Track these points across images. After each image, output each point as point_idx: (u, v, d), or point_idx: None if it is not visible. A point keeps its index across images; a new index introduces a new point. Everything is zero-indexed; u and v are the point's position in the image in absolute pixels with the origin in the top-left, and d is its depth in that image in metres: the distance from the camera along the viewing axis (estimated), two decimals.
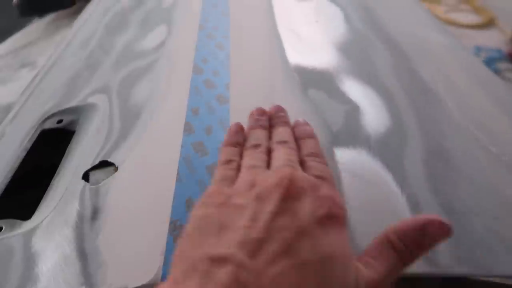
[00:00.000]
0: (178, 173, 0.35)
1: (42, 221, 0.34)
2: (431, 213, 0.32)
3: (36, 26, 0.96)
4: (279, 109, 0.37)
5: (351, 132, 0.40)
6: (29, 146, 0.44)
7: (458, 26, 1.72)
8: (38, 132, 0.46)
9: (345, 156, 0.37)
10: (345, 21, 0.62)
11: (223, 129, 0.40)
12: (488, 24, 1.63)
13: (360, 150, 0.38)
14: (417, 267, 0.28)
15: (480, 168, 0.37)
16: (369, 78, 0.48)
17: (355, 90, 0.46)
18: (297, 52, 0.53)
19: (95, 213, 0.33)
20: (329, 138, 0.39)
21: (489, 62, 1.31)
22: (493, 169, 0.37)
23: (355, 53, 0.53)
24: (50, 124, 0.47)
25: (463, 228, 0.31)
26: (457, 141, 0.40)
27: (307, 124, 0.35)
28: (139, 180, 0.35)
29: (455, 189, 0.35)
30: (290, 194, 0.23)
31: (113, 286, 0.27)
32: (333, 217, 0.23)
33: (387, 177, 0.35)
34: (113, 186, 0.35)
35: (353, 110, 0.43)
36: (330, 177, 0.28)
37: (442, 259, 0.29)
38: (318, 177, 0.26)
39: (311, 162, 0.29)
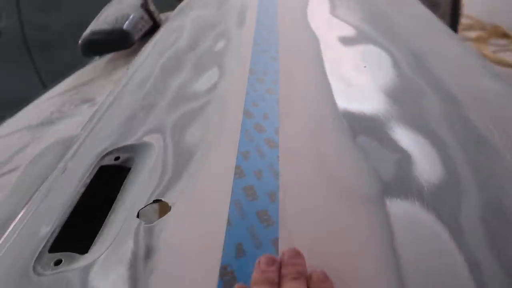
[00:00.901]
0: (229, 218, 0.35)
1: (98, 258, 0.35)
2: (493, 276, 0.31)
3: (96, 64, 1.04)
4: (294, 255, 0.31)
5: (403, 183, 0.39)
6: (88, 181, 0.47)
7: (509, 66, 1.67)
8: (97, 168, 0.49)
9: (397, 208, 0.36)
10: (394, 67, 0.62)
11: (273, 173, 0.40)
12: None
13: (413, 202, 0.37)
14: None
15: None
16: (420, 126, 0.47)
17: (405, 138, 0.45)
18: (345, 98, 0.54)
19: (148, 253, 0.34)
20: (379, 187, 0.39)
21: None
22: None
23: (405, 100, 0.53)
24: (108, 160, 0.50)
25: None
26: None
27: (324, 277, 0.30)
28: (190, 222, 0.36)
29: None
30: None
31: None
32: None
33: (442, 233, 0.34)
34: (166, 226, 0.37)
35: (404, 159, 0.42)
36: None
37: None
38: None
39: None
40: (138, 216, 0.39)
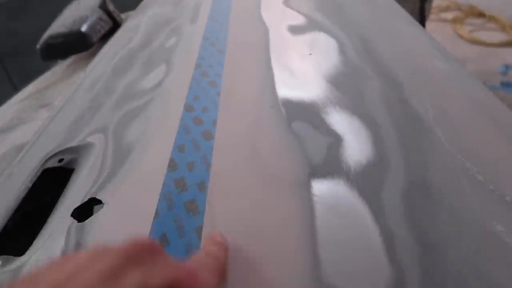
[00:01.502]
0: (157, 210, 0.36)
1: (29, 258, 0.36)
2: (406, 247, 0.32)
3: (57, 68, 1.03)
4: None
5: (331, 165, 0.40)
6: (30, 185, 0.47)
7: (484, 45, 1.69)
8: (40, 171, 0.49)
9: (321, 189, 0.37)
10: (339, 53, 0.63)
11: (205, 164, 0.41)
12: None
13: (338, 183, 0.38)
14: None
15: (464, 199, 0.36)
16: (357, 109, 0.48)
17: (340, 122, 0.47)
18: (286, 86, 0.54)
19: (77, 249, 0.35)
20: (308, 170, 0.40)
21: None
22: (477, 199, 0.36)
23: (345, 85, 0.54)
24: (52, 163, 0.50)
25: (438, 263, 0.31)
26: (442, 172, 0.39)
27: (219, 235, 0.33)
28: (120, 217, 0.37)
29: (434, 221, 0.34)
30: None
31: None
32: None
33: (363, 210, 0.35)
34: (97, 223, 0.37)
35: (336, 142, 0.43)
36: (210, 265, 0.27)
37: None
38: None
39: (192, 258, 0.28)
40: (72, 215, 0.39)
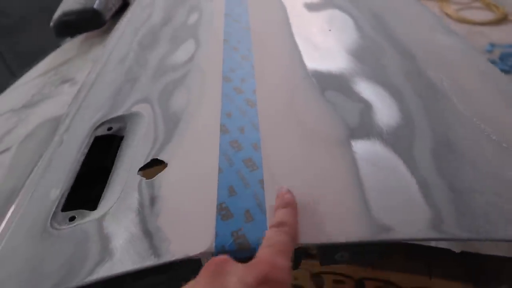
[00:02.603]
0: (219, 166, 0.41)
1: (109, 209, 0.41)
2: (439, 192, 0.38)
3: (70, 45, 1.05)
4: (283, 190, 0.38)
5: (365, 127, 0.46)
6: (86, 150, 0.51)
7: (471, 24, 1.74)
8: (92, 138, 0.53)
9: (360, 147, 0.43)
10: (356, 29, 0.68)
11: (254, 127, 0.46)
12: (502, 20, 1.64)
13: (374, 142, 0.44)
14: (426, 233, 0.34)
15: (482, 154, 0.42)
16: (381, 79, 0.54)
17: (368, 91, 0.52)
18: (313, 59, 0.59)
19: (152, 201, 0.40)
20: (347, 132, 0.45)
21: (504, 58, 1.33)
22: (494, 154, 0.42)
23: (367, 58, 0.59)
24: (102, 131, 0.54)
25: (467, 204, 0.37)
26: (462, 132, 0.45)
27: (287, 193, 0.37)
28: (186, 173, 0.42)
29: (460, 172, 0.40)
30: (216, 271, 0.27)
31: (176, 255, 0.34)
32: (271, 281, 0.26)
33: (399, 164, 0.41)
34: (165, 179, 0.42)
35: (366, 108, 0.49)
36: (281, 246, 0.30)
37: (448, 228, 0.34)
38: (268, 246, 0.30)
39: (269, 233, 0.32)
40: (139, 173, 0.44)
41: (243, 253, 0.34)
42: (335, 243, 0.35)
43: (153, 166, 0.44)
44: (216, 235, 0.34)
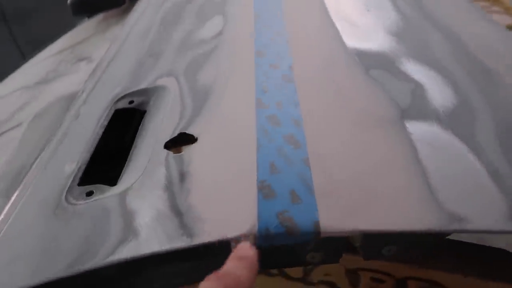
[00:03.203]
0: (258, 141, 0.37)
1: (132, 184, 0.36)
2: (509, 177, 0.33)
3: (88, 24, 1.01)
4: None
5: (419, 108, 0.41)
6: (105, 123, 0.47)
7: None
8: (113, 111, 0.49)
9: (417, 128, 0.38)
10: (396, 10, 0.63)
11: (293, 103, 0.41)
12: None
13: (431, 123, 0.39)
14: (505, 225, 0.29)
15: None
16: (428, 60, 0.49)
17: (416, 71, 0.47)
18: (353, 38, 0.54)
19: (182, 176, 0.35)
20: (397, 112, 0.40)
21: None
22: None
23: (410, 38, 0.54)
24: (123, 104, 0.50)
25: None
26: None
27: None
28: (220, 148, 0.37)
29: None
30: None
31: (212, 235, 0.29)
32: None
33: (461, 147, 0.36)
34: (196, 154, 0.37)
35: (417, 88, 0.44)
36: None
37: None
38: None
39: None
40: (165, 147, 0.39)
41: (291, 239, 0.29)
42: (396, 232, 0.30)
43: (181, 141, 0.40)
44: (259, 215, 0.30)
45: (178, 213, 0.32)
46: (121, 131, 0.48)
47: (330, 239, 0.31)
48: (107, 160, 0.44)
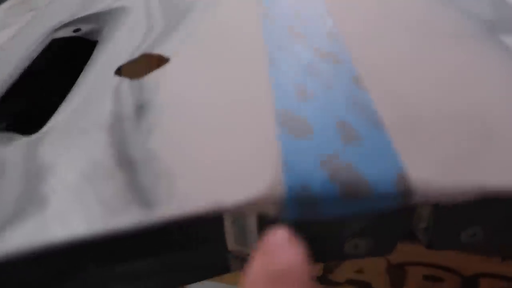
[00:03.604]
0: (269, 55, 0.22)
1: (53, 127, 0.21)
2: None
3: None
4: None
5: (507, 19, 0.27)
6: (34, 55, 0.31)
7: None
8: (48, 41, 0.33)
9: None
10: None
11: (320, 15, 0.27)
12: None
13: None
14: None
15: None
16: None
17: None
18: None
19: (140, 110, 0.20)
20: (482, 26, 0.26)
21: None
22: None
23: None
24: (65, 33, 0.34)
25: None
26: None
27: None
28: (207, 67, 0.23)
29: None
30: None
31: (190, 203, 0.14)
32: None
33: None
34: (166, 79, 0.23)
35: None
36: None
37: None
38: None
39: None
40: (117, 74, 0.24)
41: (349, 205, 0.15)
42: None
43: (143, 63, 0.25)
44: (284, 164, 0.15)
45: (128, 166, 0.17)
46: (61, 67, 0.33)
47: (395, 214, 0.17)
48: (30, 105, 0.28)
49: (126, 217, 0.14)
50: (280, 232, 0.13)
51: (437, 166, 0.15)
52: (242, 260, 0.23)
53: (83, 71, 0.29)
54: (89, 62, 0.30)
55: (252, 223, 0.20)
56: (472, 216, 0.22)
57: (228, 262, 0.23)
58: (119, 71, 0.24)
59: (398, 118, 0.17)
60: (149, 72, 0.23)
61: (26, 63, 0.30)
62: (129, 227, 0.14)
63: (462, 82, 0.20)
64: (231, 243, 0.22)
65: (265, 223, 0.20)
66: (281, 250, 0.12)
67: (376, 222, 0.20)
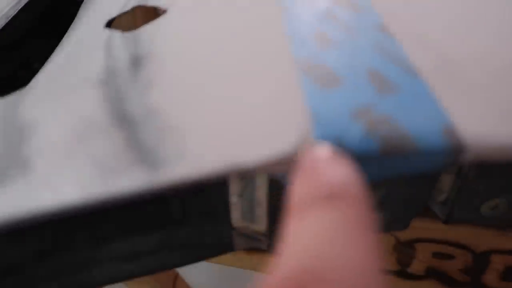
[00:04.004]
0: (281, 4, 0.19)
1: (37, 84, 0.18)
2: None
3: None
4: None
5: None
6: (11, 13, 0.28)
7: None
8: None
9: None
10: None
11: None
12: None
13: None
14: None
15: None
16: None
17: None
18: None
19: (136, 62, 0.18)
20: None
21: None
22: None
23: None
24: None
25: None
26: None
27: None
28: (211, 17, 0.20)
29: None
30: None
31: (202, 164, 0.12)
32: None
33: None
34: (164, 30, 0.20)
35: None
36: None
37: None
38: None
39: None
40: (107, 27, 0.21)
41: (395, 161, 0.12)
42: None
43: (137, 15, 0.22)
44: (314, 116, 0.13)
45: (127, 123, 0.14)
46: (43, 27, 0.29)
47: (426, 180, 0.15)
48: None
49: (128, 179, 0.12)
50: (322, 148, 0.11)
51: (489, 119, 0.13)
52: (247, 238, 0.21)
53: (69, 28, 0.26)
54: (75, 19, 0.27)
55: (262, 192, 0.18)
56: (495, 186, 0.21)
57: (232, 241, 0.21)
58: (110, 24, 0.22)
59: (435, 65, 0.15)
60: (144, 23, 0.21)
61: (1, 21, 0.27)
62: (132, 190, 0.11)
63: (502, 30, 0.18)
64: (237, 219, 0.20)
65: (278, 194, 0.18)
66: (327, 165, 0.10)
67: (393, 193, 0.19)
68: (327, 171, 0.10)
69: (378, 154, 0.12)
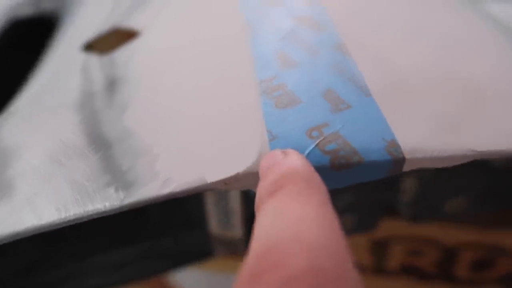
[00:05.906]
0: (248, 23, 0.21)
1: (14, 109, 0.19)
2: None
3: None
4: None
5: None
6: None
7: None
8: (10, 22, 0.31)
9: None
10: None
11: None
12: None
13: None
14: None
15: None
16: None
17: None
18: None
19: (112, 84, 0.19)
20: None
21: None
22: None
23: None
24: (26, 10, 0.32)
25: None
26: None
27: None
28: (179, 41, 0.21)
29: None
30: None
31: (172, 182, 0.13)
32: None
33: None
34: (138, 52, 0.21)
35: None
36: None
37: None
38: None
39: None
40: (85, 50, 0.23)
41: (345, 174, 0.14)
42: None
43: (113, 38, 0.23)
44: (271, 135, 0.14)
45: (103, 146, 0.15)
46: (22, 49, 0.30)
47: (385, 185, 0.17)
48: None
49: (103, 201, 0.13)
50: (276, 150, 0.13)
51: (426, 131, 0.15)
52: (226, 245, 0.22)
53: (47, 50, 0.27)
54: (52, 41, 0.28)
55: (236, 202, 0.20)
56: (456, 185, 0.22)
57: (211, 248, 0.22)
58: (86, 47, 0.23)
59: (385, 84, 0.17)
60: (119, 46, 0.22)
61: None
62: (106, 211, 0.13)
63: (448, 48, 0.20)
64: (214, 227, 0.21)
65: (250, 201, 0.19)
66: (284, 156, 0.12)
67: (360, 196, 0.20)
68: (285, 159, 0.12)
69: (329, 168, 0.13)
